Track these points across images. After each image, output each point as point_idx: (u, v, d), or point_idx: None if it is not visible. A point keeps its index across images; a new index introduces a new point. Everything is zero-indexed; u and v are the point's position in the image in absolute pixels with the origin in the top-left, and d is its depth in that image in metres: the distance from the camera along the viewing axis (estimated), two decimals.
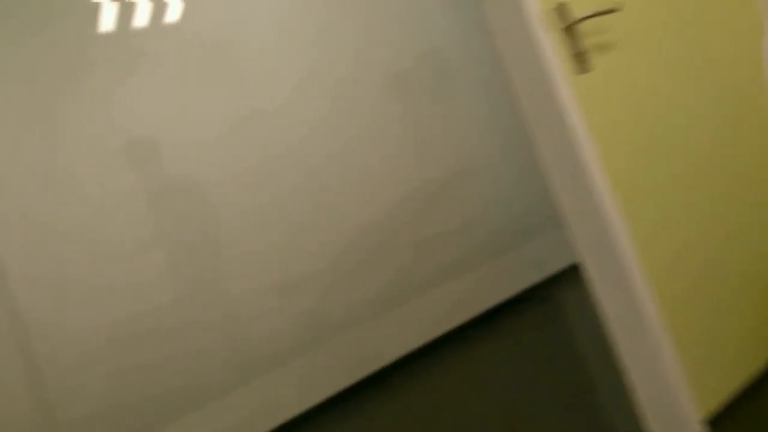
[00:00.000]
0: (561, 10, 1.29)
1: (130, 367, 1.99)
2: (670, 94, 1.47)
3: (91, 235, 2.03)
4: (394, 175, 2.50)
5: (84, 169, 2.07)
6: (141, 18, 2.24)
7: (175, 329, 2.07)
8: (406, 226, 2.48)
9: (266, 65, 2.33)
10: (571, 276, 2.54)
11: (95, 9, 2.18)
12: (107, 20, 2.20)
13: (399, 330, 2.36)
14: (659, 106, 1.45)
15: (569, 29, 1.30)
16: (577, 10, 1.32)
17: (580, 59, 1.31)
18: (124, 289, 2.04)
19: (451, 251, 2.51)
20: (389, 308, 2.37)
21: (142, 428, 1.97)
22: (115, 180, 2.09)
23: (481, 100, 2.63)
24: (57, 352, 1.91)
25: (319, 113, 2.40)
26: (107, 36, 2.18)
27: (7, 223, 1.93)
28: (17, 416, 1.83)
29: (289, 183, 2.31)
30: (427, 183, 2.55)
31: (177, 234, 2.14)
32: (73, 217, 2.02)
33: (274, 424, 2.12)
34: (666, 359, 1.25)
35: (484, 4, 1.36)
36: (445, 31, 2.59)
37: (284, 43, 2.37)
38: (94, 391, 1.93)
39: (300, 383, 2.20)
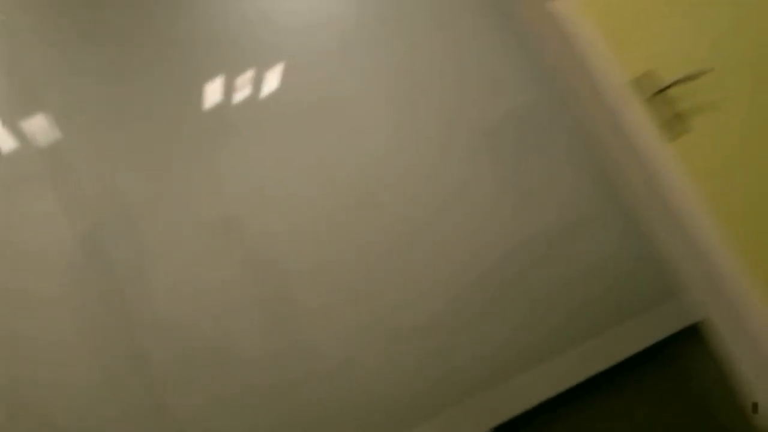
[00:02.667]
0: (648, 77, 1.26)
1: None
2: None
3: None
4: (492, 231, 2.50)
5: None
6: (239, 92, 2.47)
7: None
8: (514, 281, 2.47)
9: (358, 127, 2.47)
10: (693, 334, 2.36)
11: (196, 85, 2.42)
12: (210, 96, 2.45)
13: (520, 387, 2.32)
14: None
15: (659, 95, 1.27)
16: (666, 76, 1.28)
17: (675, 124, 1.26)
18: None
19: (567, 308, 2.45)
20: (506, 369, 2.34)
21: None
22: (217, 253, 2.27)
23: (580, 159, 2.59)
24: None
25: (415, 169, 2.48)
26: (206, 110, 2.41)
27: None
28: None
29: (381, 241, 2.39)
30: (527, 242, 2.52)
31: (280, 287, 2.28)
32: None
33: None
34: None
35: (563, 77, 1.36)
36: (534, 88, 2.60)
37: (375, 108, 2.50)
38: None
39: None
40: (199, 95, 2.44)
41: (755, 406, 1.26)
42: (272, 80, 2.48)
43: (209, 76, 2.45)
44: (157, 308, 2.19)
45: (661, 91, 1.26)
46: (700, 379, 2.03)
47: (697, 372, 2.07)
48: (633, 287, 2.46)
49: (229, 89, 2.46)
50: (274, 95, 2.48)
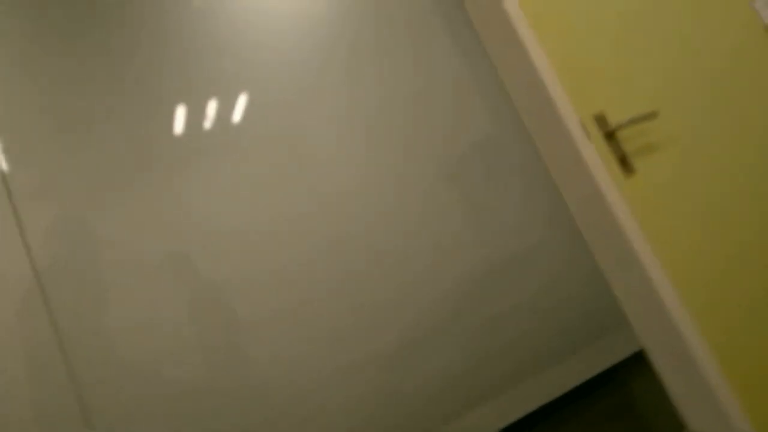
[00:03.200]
0: (599, 119, 1.36)
1: None
2: (720, 181, 1.48)
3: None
4: (455, 257, 2.54)
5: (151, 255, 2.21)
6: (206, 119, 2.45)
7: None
8: (472, 308, 2.51)
9: (324, 159, 2.48)
10: (640, 361, 2.46)
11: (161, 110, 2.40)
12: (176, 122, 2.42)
13: (472, 416, 2.34)
14: (711, 194, 1.46)
15: (610, 135, 1.36)
16: (616, 118, 1.38)
17: (623, 162, 1.35)
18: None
19: (521, 339, 2.50)
20: (461, 394, 2.37)
21: None
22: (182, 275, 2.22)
23: (540, 190, 2.68)
24: None
25: (380, 199, 2.50)
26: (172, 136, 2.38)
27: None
28: None
29: (348, 271, 2.39)
30: (489, 265, 2.58)
31: (234, 320, 2.24)
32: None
33: None
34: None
35: (524, 114, 1.45)
36: (498, 120, 2.69)
37: (341, 139, 2.53)
38: None
39: None
40: (154, 127, 2.38)
41: None
42: (235, 112, 2.48)
43: (166, 107, 2.40)
44: (101, 343, 2.12)
45: (612, 132, 1.35)
46: (645, 404, 2.11)
47: (643, 397, 2.16)
48: (584, 315, 2.55)
49: (188, 120, 2.43)
50: (236, 128, 2.45)
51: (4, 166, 2.19)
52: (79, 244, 2.18)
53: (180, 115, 2.41)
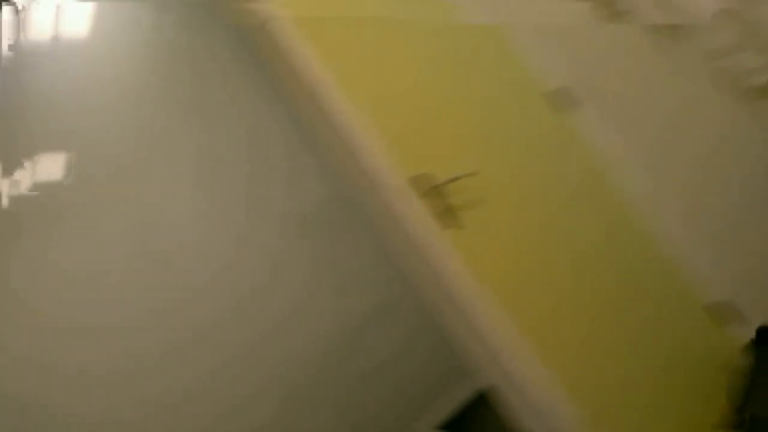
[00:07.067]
0: (421, 178, 1.39)
1: None
2: (542, 231, 1.59)
3: None
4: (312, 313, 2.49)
5: None
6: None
7: None
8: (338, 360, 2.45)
9: (155, 217, 2.35)
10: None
11: None
12: None
13: None
14: (533, 243, 1.56)
15: (433, 192, 1.40)
16: (438, 176, 1.42)
17: (448, 218, 1.39)
18: None
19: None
20: None
21: None
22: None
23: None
24: None
25: (220, 261, 2.39)
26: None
27: None
28: None
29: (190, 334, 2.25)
30: (349, 318, 2.56)
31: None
32: None
33: None
34: None
35: (344, 176, 1.46)
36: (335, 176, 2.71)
37: (175, 196, 2.41)
38: None
39: None
40: None
41: None
42: (55, 169, 2.28)
43: None
44: None
45: (435, 188, 1.39)
46: None
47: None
48: (432, 368, 2.59)
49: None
50: (54, 187, 2.27)
51: None
52: None
53: None
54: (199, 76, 2.65)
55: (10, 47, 2.27)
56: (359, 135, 1.31)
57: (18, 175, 2.22)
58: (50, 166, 2.31)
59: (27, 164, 2.24)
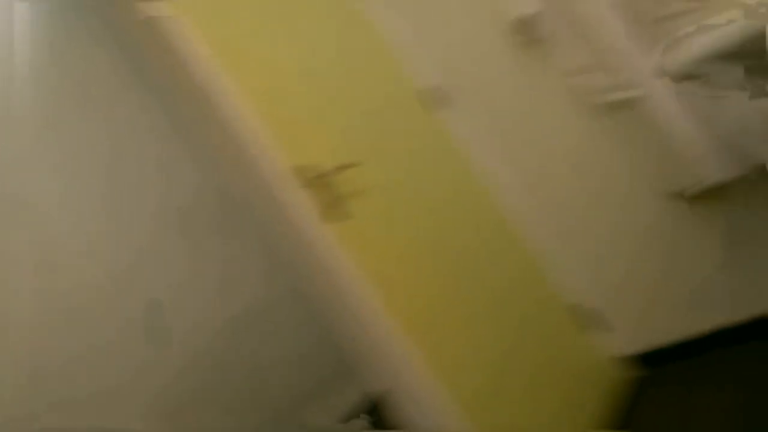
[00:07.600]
0: (302, 169, 1.40)
1: None
2: (422, 220, 1.66)
3: None
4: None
5: None
6: None
7: None
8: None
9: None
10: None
11: None
12: None
13: None
14: (416, 232, 1.63)
15: (316, 182, 1.41)
16: (320, 166, 1.44)
17: (333, 208, 1.41)
18: None
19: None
20: None
21: None
22: None
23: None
24: None
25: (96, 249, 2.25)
26: None
27: None
28: None
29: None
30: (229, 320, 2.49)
31: None
32: None
33: None
34: None
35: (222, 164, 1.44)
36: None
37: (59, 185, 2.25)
38: None
39: None
40: None
41: None
42: None
43: None
44: None
45: (317, 179, 1.41)
46: None
47: None
48: (318, 367, 2.60)
49: None
50: None
51: None
52: None
53: None
54: (77, 71, 2.48)
55: None
56: (243, 124, 1.31)
57: None
58: None
59: None
